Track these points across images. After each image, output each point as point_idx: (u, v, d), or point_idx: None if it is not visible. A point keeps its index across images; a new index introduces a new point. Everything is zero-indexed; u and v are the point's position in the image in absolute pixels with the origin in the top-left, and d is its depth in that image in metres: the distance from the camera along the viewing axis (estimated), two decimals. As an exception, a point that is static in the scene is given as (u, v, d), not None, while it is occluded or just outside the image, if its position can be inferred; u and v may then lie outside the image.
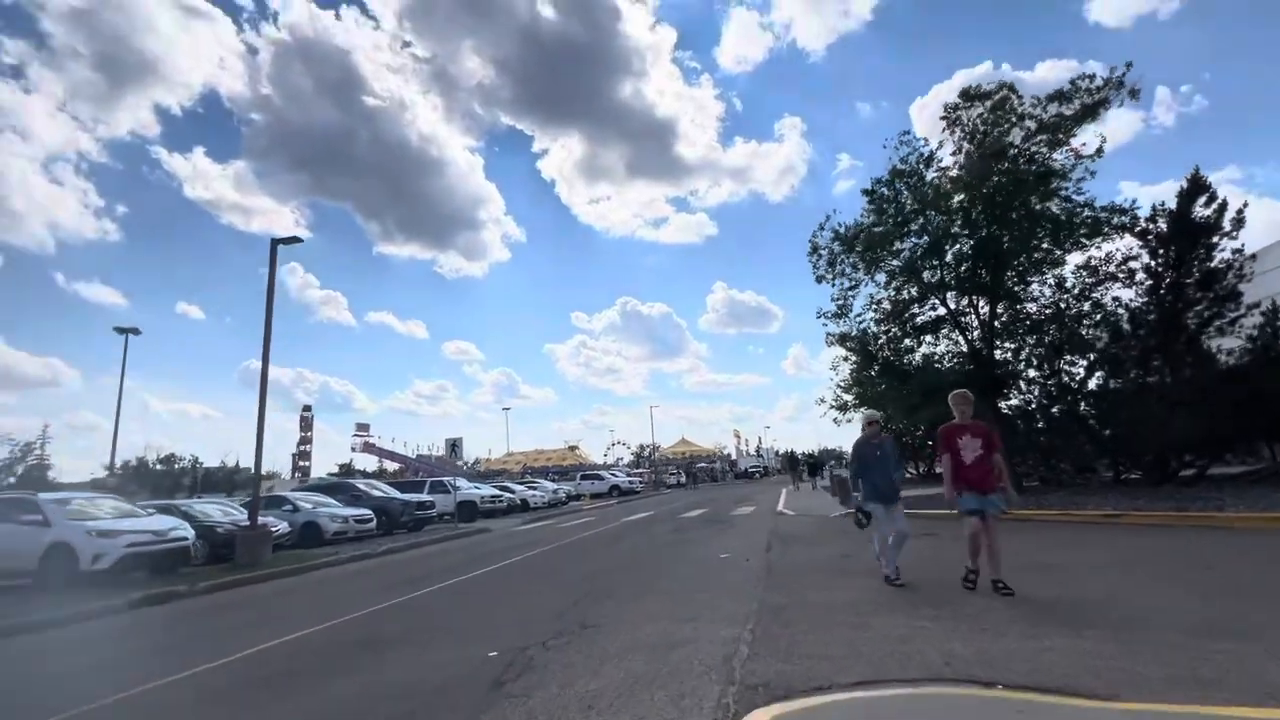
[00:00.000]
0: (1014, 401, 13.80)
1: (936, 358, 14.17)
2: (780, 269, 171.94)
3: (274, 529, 13.56)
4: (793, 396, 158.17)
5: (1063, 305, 12.64)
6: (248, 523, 12.91)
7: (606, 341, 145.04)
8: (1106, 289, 12.34)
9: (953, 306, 13.35)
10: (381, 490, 19.51)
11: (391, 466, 66.99)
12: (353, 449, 71.55)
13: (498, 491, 24.73)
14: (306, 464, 65.89)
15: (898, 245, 13.46)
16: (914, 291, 13.56)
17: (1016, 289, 12.51)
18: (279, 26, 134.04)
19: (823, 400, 16.12)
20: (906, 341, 14.23)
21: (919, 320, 13.99)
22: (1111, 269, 12.31)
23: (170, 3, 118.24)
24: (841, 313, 14.36)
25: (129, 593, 8.99)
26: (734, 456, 78.97)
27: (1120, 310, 12.26)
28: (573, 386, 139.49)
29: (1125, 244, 12.12)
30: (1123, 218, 11.80)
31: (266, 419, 12.98)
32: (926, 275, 13.20)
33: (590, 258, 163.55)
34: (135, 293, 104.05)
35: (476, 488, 24.69)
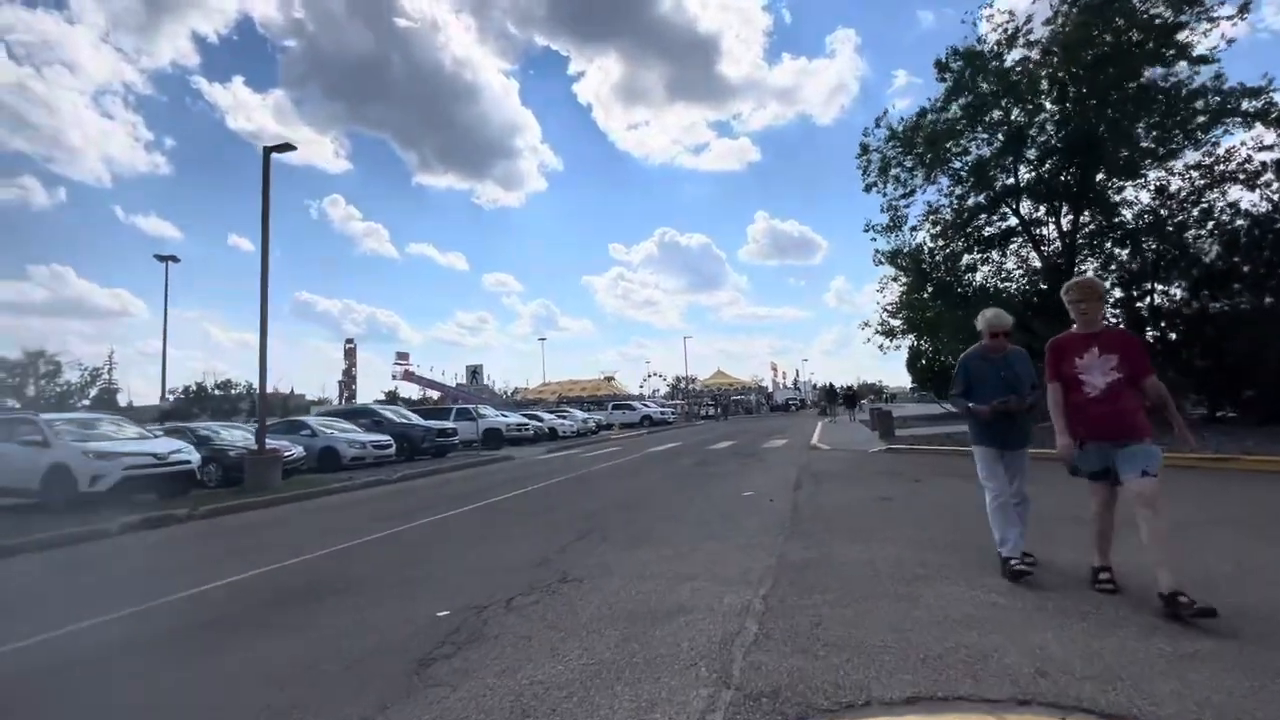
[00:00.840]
0: None
1: (1005, 275, 12.39)
2: (826, 197, 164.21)
3: (287, 453, 13.24)
4: (834, 330, 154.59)
5: (1164, 213, 10.58)
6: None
7: (645, 274, 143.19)
8: (1223, 191, 10.20)
9: (1027, 215, 11.46)
10: (405, 417, 19.22)
11: (435, 395, 69.06)
12: (393, 377, 74.20)
13: (524, 420, 24.34)
14: (352, 391, 68.47)
15: (966, 143, 11.48)
16: (981, 198, 11.65)
17: (1109, 192, 10.48)
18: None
19: (866, 324, 14.60)
20: (967, 259, 12.46)
21: (985, 232, 12.15)
22: (1231, 168, 10.14)
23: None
24: (894, 225, 12.60)
25: (124, 516, 8.63)
26: (770, 389, 77.78)
27: (1238, 220, 10.14)
28: (610, 318, 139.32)
29: (1253, 135, 9.89)
30: (1254, 102, 9.53)
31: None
32: (999, 180, 11.26)
33: (628, 187, 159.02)
34: (188, 225, 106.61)
35: (503, 415, 24.35)
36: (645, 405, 41.93)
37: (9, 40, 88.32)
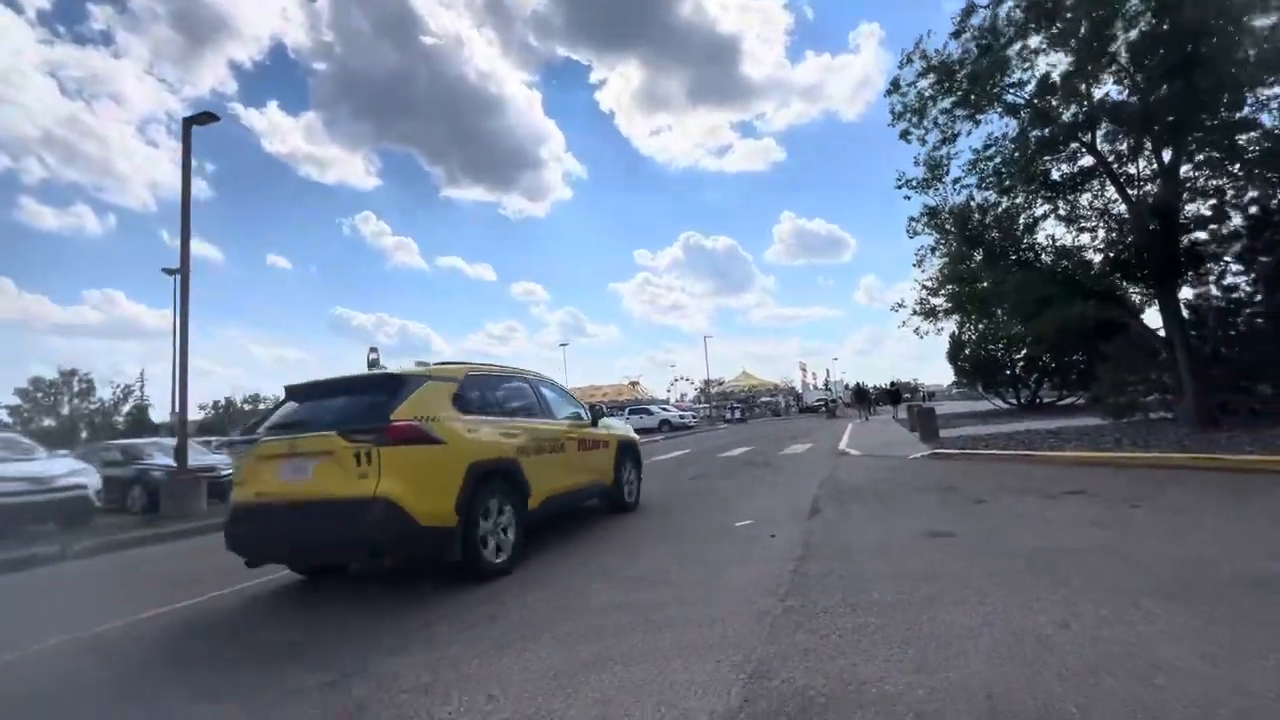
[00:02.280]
0: (1206, 289, 9.44)
1: (1080, 227, 9.81)
2: (854, 194, 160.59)
3: (224, 472, 11.49)
4: (864, 329, 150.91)
5: None
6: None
7: (670, 278, 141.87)
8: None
9: (1108, 152, 8.99)
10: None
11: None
12: None
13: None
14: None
15: (1024, 59, 9.04)
16: (1046, 131, 9.19)
17: (1222, 112, 7.90)
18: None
19: (901, 305, 12.16)
20: (1026, 215, 9.95)
21: (1053, 177, 9.68)
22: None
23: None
24: (933, 178, 10.18)
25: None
26: (799, 390, 74.65)
27: None
28: (638, 324, 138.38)
29: None
30: None
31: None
32: (1070, 106, 8.81)
33: (652, 192, 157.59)
34: (229, 247, 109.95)
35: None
36: (664, 409, 39.73)
37: (60, 76, 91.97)
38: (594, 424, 6.71)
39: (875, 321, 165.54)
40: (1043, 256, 9.89)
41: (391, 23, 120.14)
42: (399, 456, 4.07)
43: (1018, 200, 9.99)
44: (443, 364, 5.21)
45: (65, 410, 61.10)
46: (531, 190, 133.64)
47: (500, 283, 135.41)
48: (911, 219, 11.64)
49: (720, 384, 69.92)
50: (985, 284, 10.04)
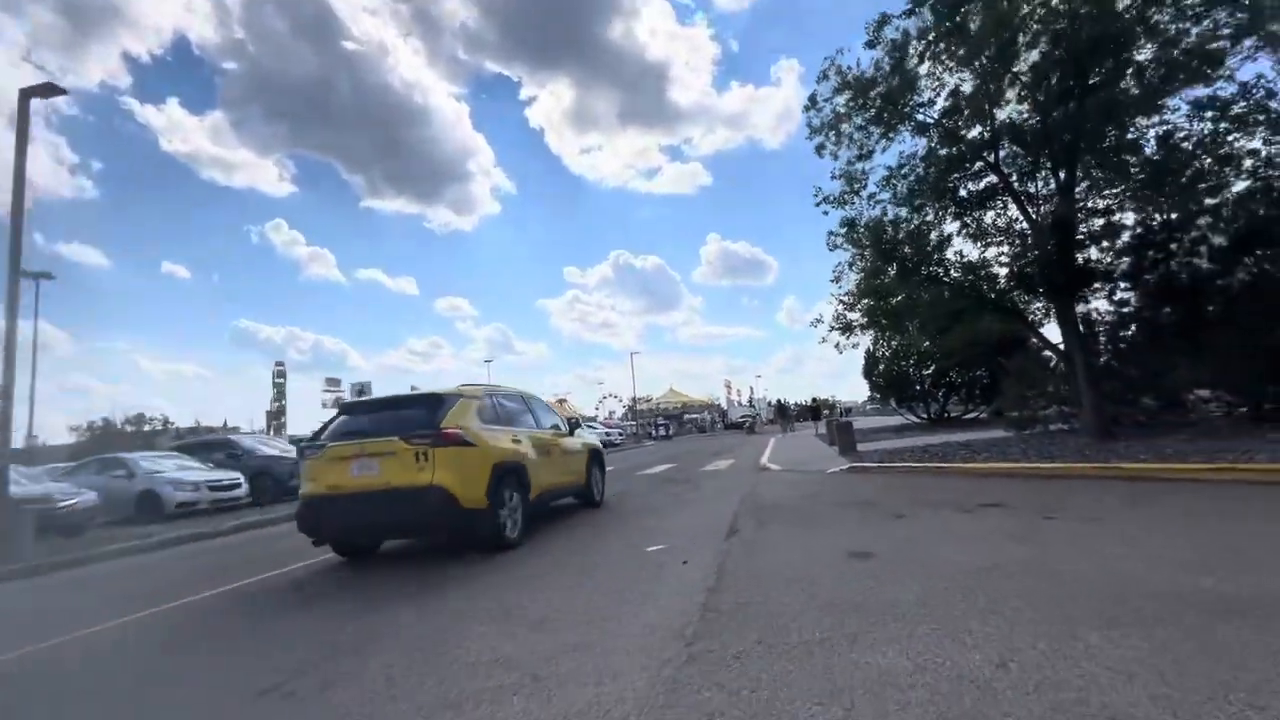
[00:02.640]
0: (1100, 304, 9.96)
1: (986, 242, 10.13)
2: (776, 219, 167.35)
3: (62, 502, 9.82)
4: (786, 349, 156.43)
5: (1180, 156, 8.30)
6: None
7: (600, 296, 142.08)
8: (1249, 135, 8.19)
9: (1009, 170, 9.34)
10: (278, 449, 15.75)
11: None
12: (323, 405, 70.04)
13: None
14: (281, 421, 63.46)
15: (930, 89, 9.33)
16: (953, 150, 9.46)
17: (1111, 135, 8.31)
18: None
19: (819, 321, 12.21)
20: (937, 232, 10.19)
21: (960, 193, 9.97)
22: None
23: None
24: (850, 191, 10.27)
25: None
26: (725, 407, 75.89)
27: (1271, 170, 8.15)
28: (567, 341, 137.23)
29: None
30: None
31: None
32: (975, 125, 9.10)
33: (582, 210, 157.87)
34: (118, 253, 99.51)
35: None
36: (590, 426, 38.94)
37: None
38: (570, 434, 7.96)
39: (796, 342, 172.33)
40: (951, 272, 10.16)
41: (310, 25, 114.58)
42: (448, 455, 5.36)
43: (928, 217, 10.27)
44: (467, 385, 6.57)
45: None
46: (458, 204, 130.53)
47: (424, 297, 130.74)
48: (831, 233, 11.74)
49: (648, 401, 69.89)
50: (898, 298, 10.20)
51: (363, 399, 6.89)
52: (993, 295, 9.59)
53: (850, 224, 10.27)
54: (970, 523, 5.29)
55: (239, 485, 12.91)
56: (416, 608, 4.11)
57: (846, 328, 11.70)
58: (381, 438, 5.46)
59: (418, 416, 5.64)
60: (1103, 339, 9.71)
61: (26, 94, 9.30)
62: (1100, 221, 9.06)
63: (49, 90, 9.39)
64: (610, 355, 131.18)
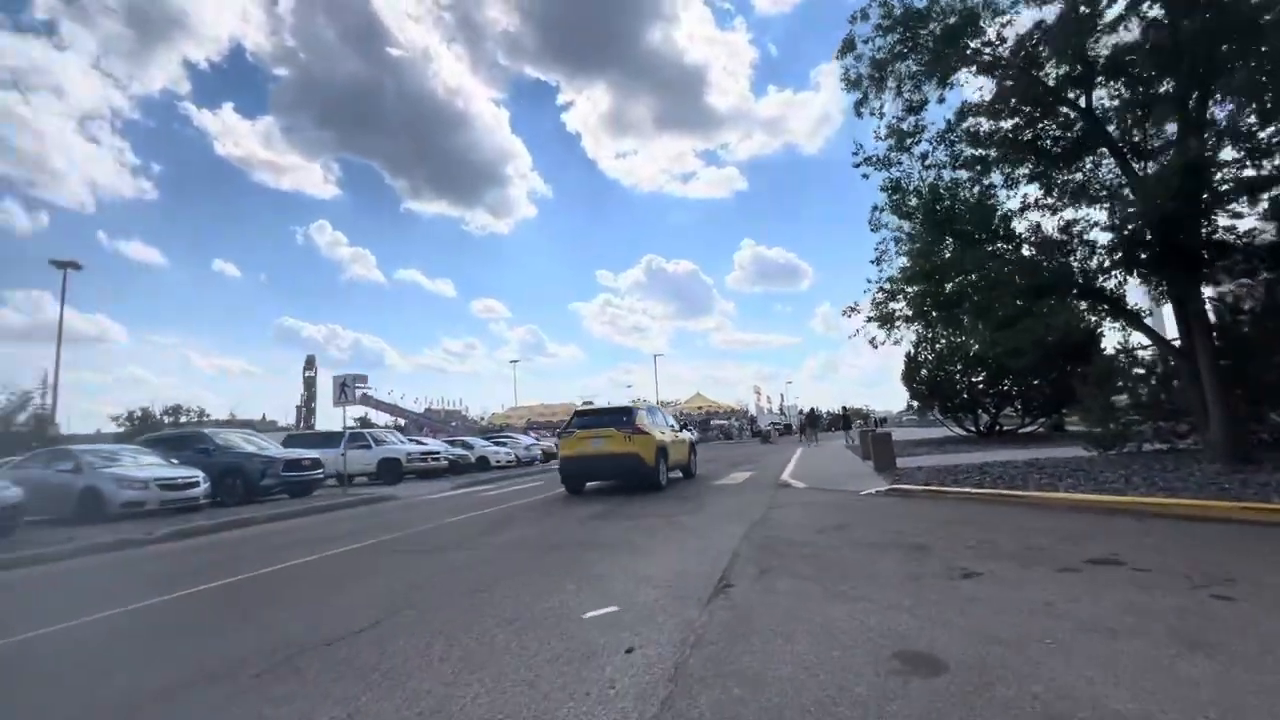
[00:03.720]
0: (1229, 287, 7.71)
1: (1075, 211, 8.04)
2: (812, 225, 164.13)
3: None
4: (820, 356, 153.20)
5: None
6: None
7: (632, 300, 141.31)
8: None
9: (1108, 113, 7.31)
10: (255, 446, 14.50)
11: (385, 419, 64.81)
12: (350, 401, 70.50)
13: (434, 449, 19.64)
14: (311, 415, 64.04)
15: (1002, 22, 7.39)
16: (1030, 93, 7.42)
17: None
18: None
19: (853, 310, 10.27)
20: (1011, 194, 8.16)
21: (1040, 148, 7.93)
22: None
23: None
24: (899, 149, 8.32)
25: None
26: (753, 413, 73.41)
27: None
28: (599, 344, 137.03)
29: None
30: None
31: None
32: (1063, 59, 7.09)
33: (616, 214, 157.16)
34: (173, 250, 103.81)
35: (405, 442, 19.68)
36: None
37: None
38: (680, 431, 13.31)
39: (830, 348, 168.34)
40: (1023, 249, 8.15)
41: (358, 32, 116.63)
42: (639, 437, 10.31)
43: (995, 179, 8.25)
44: (637, 401, 12.31)
45: (-47, 417, 54.62)
46: (496, 207, 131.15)
47: (460, 299, 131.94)
48: (875, 208, 9.80)
49: (673, 405, 67.95)
50: (953, 283, 8.21)
51: (590, 408, 12.69)
52: (1079, 277, 7.51)
53: (896, 186, 8.31)
54: (1086, 595, 3.41)
55: (196, 484, 11.61)
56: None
57: (886, 319, 9.74)
58: (604, 428, 10.61)
59: (621, 417, 10.80)
60: (1232, 332, 7.45)
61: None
62: (1236, 177, 6.83)
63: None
64: (641, 359, 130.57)
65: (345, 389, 14.24)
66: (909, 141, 8.34)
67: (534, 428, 60.80)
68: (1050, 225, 8.17)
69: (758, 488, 10.54)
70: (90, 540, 8.32)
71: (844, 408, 34.14)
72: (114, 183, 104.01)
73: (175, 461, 12.66)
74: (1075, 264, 7.60)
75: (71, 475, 11.03)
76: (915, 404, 24.59)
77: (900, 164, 8.46)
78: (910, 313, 9.72)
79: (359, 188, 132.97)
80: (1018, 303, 7.78)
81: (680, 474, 12.31)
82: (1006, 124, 7.81)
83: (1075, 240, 7.84)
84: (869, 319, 10.09)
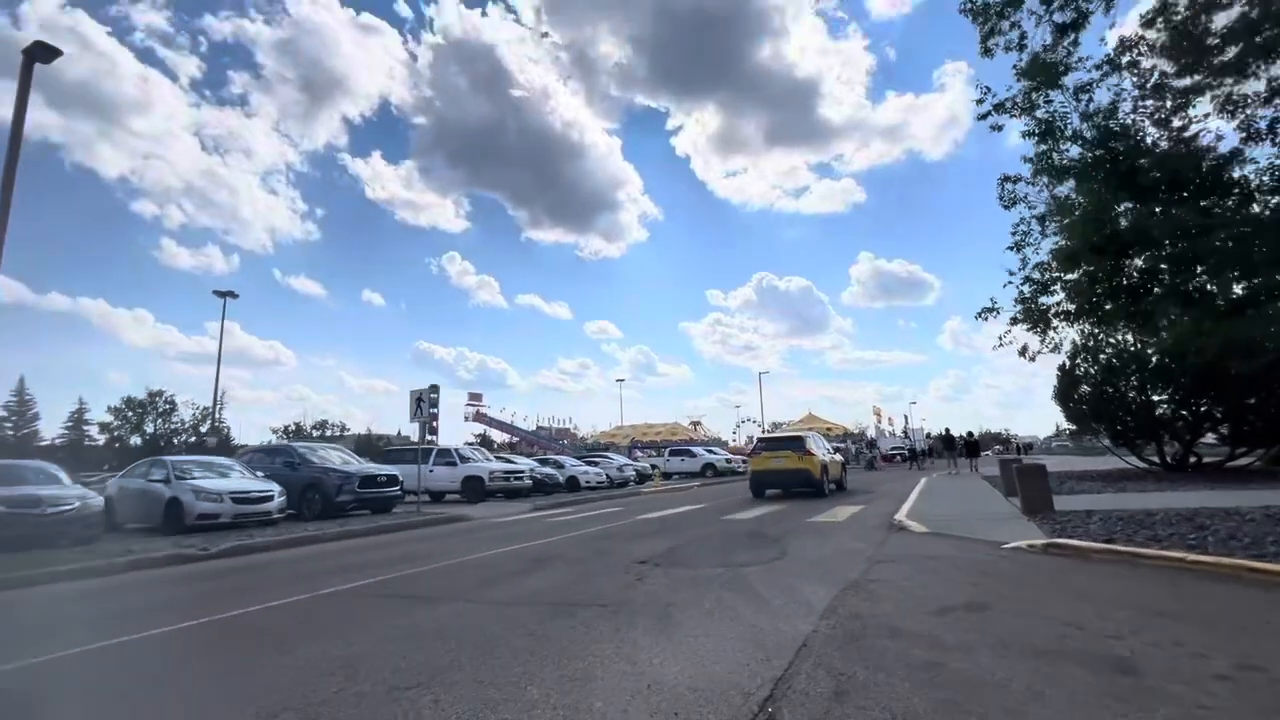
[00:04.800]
0: None
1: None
2: (937, 233, 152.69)
3: (51, 509, 8.85)
4: (949, 374, 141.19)
5: None
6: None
7: (743, 319, 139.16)
8: None
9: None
10: (339, 459, 14.55)
11: (500, 437, 67.44)
12: (465, 418, 74.58)
13: (518, 467, 19.06)
14: (434, 431, 68.47)
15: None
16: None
17: None
18: (435, 31, 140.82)
19: (991, 311, 8.02)
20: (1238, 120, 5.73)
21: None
22: None
23: (350, 23, 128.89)
24: (1045, 85, 6.17)
25: None
26: (873, 436, 67.61)
27: None
28: (709, 364, 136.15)
29: None
30: None
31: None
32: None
33: (726, 233, 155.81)
34: (331, 283, 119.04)
35: (490, 460, 19.28)
36: (710, 452, 35.37)
37: (202, 134, 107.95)
38: (834, 453, 17.24)
39: (961, 366, 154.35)
40: (1253, 205, 5.66)
41: (485, 78, 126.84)
42: (808, 458, 14.23)
43: (1205, 111, 5.80)
44: (804, 430, 20.97)
45: (150, 428, 64.22)
46: (609, 232, 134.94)
47: (575, 321, 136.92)
48: (1004, 179, 7.66)
49: (781, 427, 64.36)
50: (1143, 259, 5.86)
51: (770, 435, 18.07)
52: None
53: (1048, 130, 6.10)
54: None
55: (270, 498, 11.57)
56: None
57: (1039, 317, 7.43)
58: (783, 450, 14.66)
59: (796, 442, 14.96)
60: None
61: (31, 55, 8.57)
62: None
63: (48, 53, 8.58)
64: (751, 379, 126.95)
65: (420, 404, 13.91)
66: (1061, 71, 6.15)
67: (639, 447, 60.20)
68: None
69: (862, 529, 8.49)
70: (146, 554, 8.17)
71: (969, 434, 29.54)
72: (287, 226, 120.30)
73: (261, 475, 12.86)
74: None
75: (162, 486, 11.36)
76: (1070, 428, 20.47)
77: (1049, 103, 6.28)
78: (1072, 307, 7.35)
79: (485, 220, 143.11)
80: (1254, 280, 5.28)
81: (835, 486, 15.67)
82: (1233, 11, 5.39)
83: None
84: (1014, 320, 7.81)
